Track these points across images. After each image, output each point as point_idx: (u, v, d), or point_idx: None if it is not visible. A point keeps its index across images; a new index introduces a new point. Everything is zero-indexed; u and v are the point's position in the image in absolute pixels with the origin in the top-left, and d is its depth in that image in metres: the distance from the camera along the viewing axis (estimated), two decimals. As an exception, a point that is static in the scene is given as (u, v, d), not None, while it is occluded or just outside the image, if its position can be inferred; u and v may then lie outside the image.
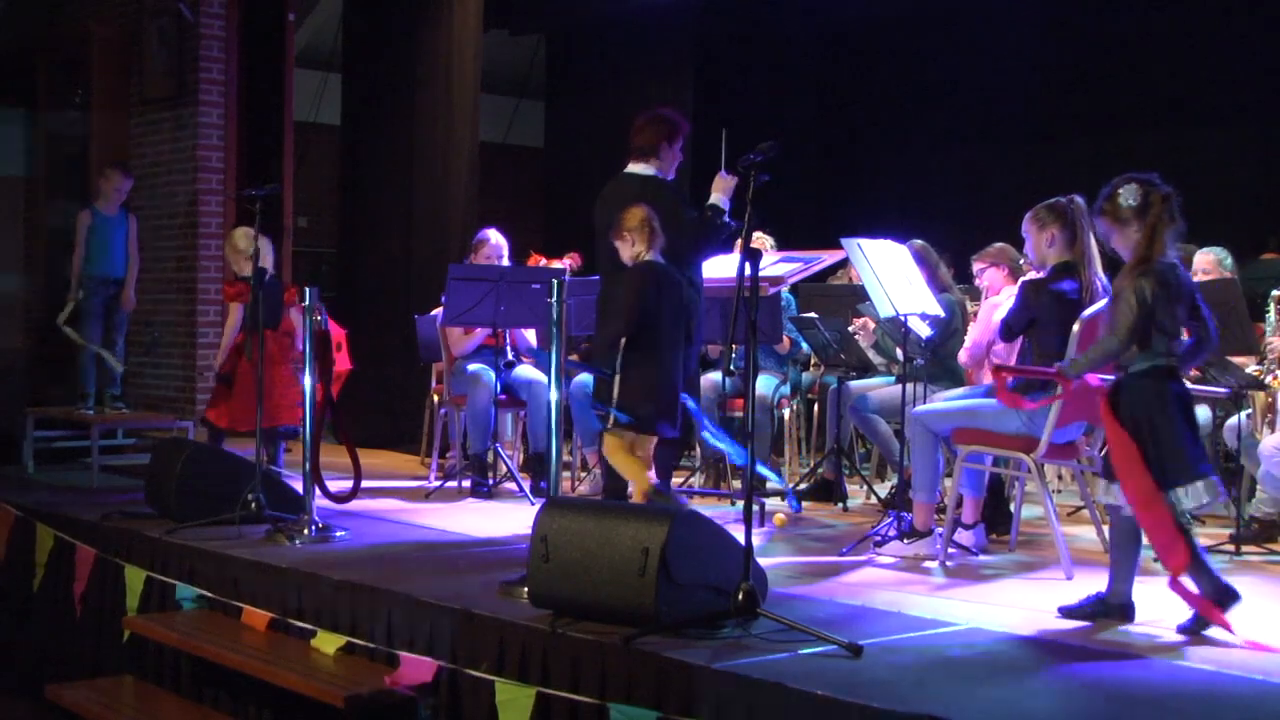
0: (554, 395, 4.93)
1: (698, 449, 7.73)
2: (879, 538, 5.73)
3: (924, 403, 6.03)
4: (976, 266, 6.48)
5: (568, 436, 7.50)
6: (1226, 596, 4.20)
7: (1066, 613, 4.46)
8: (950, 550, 5.48)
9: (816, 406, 8.36)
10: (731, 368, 5.46)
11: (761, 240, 7.30)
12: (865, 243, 6.08)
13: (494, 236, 7.79)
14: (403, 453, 9.30)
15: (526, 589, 4.39)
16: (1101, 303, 5.35)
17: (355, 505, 6.32)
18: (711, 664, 3.70)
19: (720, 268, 6.62)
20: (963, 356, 6.41)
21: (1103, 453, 4.92)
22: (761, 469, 5.89)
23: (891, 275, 6.04)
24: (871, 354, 7.42)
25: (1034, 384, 5.18)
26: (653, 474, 5.55)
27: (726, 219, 5.85)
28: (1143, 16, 9.84)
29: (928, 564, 5.42)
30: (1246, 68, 9.55)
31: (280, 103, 9.30)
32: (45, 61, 10.28)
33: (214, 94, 9.24)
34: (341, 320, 7.56)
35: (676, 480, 6.48)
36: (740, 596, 4.07)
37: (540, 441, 7.32)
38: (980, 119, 10.82)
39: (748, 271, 4.22)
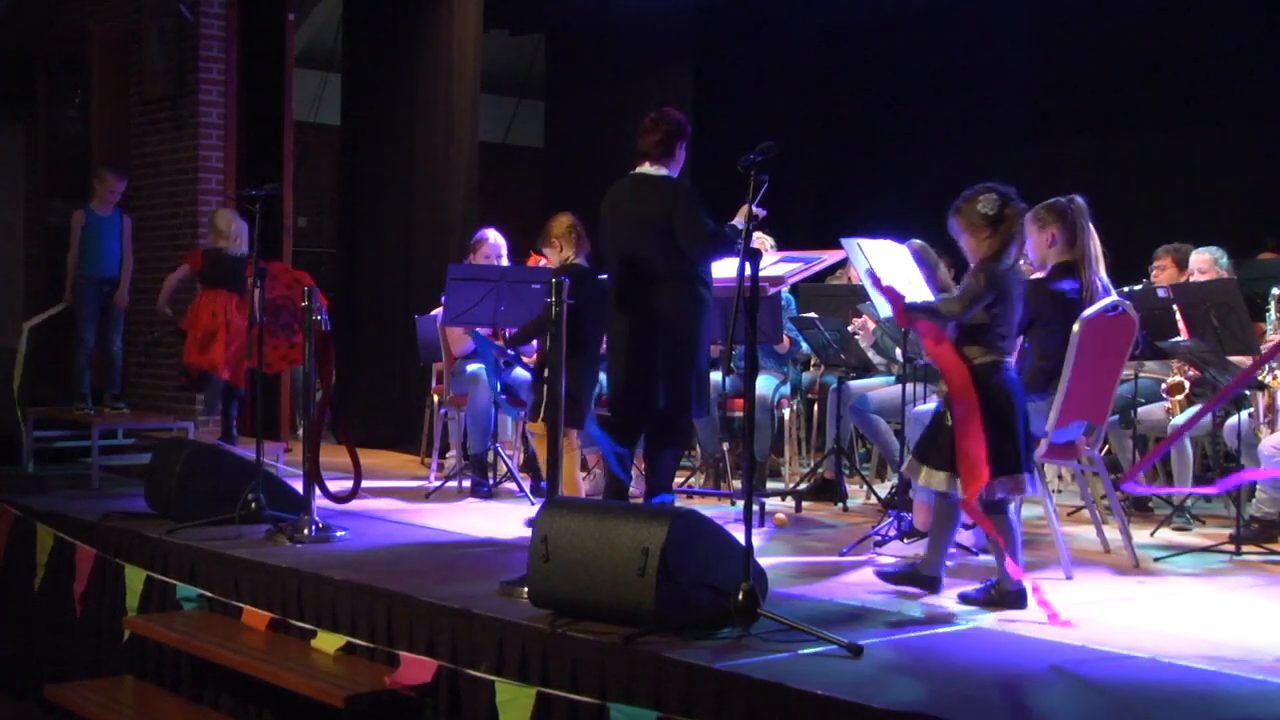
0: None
1: (698, 450, 7.74)
2: (879, 538, 5.73)
3: (924, 402, 6.03)
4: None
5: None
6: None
7: (880, 574, 4.85)
8: (950, 550, 5.47)
9: (816, 406, 8.36)
10: (731, 366, 5.47)
11: (761, 240, 7.30)
12: (865, 242, 6.07)
13: (493, 236, 7.80)
14: (403, 453, 9.30)
15: (526, 589, 4.39)
16: (1103, 301, 5.36)
17: (355, 505, 6.32)
18: (712, 664, 3.70)
19: (721, 268, 6.62)
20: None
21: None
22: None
23: (892, 275, 6.03)
24: (871, 354, 7.42)
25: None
26: (577, 463, 5.98)
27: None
28: (1142, 17, 9.83)
29: (928, 564, 5.41)
30: (1245, 68, 9.54)
31: (280, 102, 9.30)
32: (45, 61, 10.28)
33: (214, 94, 9.23)
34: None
35: (677, 480, 6.49)
36: (740, 596, 4.07)
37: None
38: (980, 118, 10.81)
39: (748, 271, 4.22)
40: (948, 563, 5.38)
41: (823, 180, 12.03)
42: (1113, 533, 5.81)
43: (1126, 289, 6.52)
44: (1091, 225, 5.47)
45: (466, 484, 7.35)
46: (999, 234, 4.71)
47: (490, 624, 4.29)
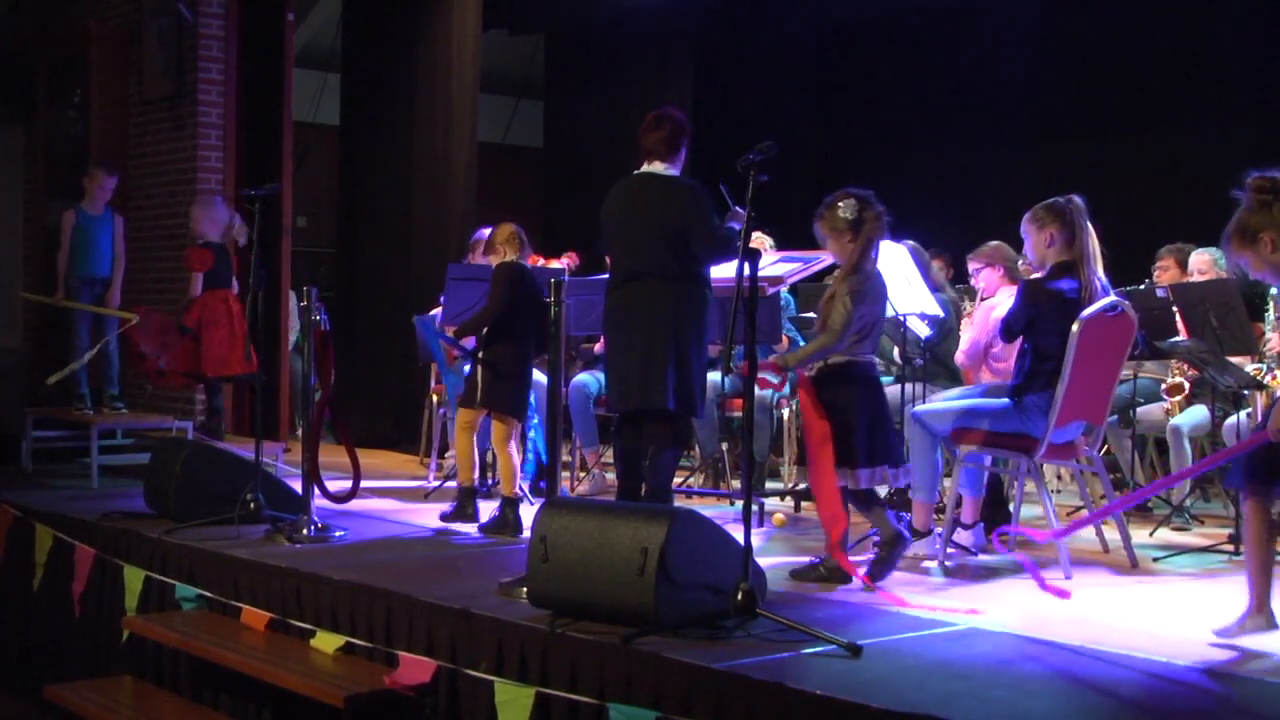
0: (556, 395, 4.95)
1: (697, 450, 7.74)
2: (877, 538, 5.72)
3: (923, 402, 6.03)
4: (972, 266, 6.47)
5: (566, 437, 7.51)
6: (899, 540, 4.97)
7: (794, 573, 5.01)
8: (949, 550, 5.48)
9: (816, 406, 8.35)
10: (730, 366, 5.46)
11: (761, 240, 7.30)
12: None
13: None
14: (402, 453, 9.30)
15: (525, 589, 4.39)
16: (1102, 301, 5.36)
17: (354, 505, 6.32)
18: (711, 664, 3.69)
19: (720, 268, 6.62)
20: (960, 358, 6.40)
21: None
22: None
23: (890, 275, 6.04)
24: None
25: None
26: (513, 448, 6.27)
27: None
28: (1140, 17, 9.83)
29: (927, 564, 5.43)
30: (1242, 68, 9.54)
31: (279, 102, 9.29)
32: (44, 61, 10.27)
33: (213, 94, 9.22)
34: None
35: (676, 480, 6.49)
36: (739, 596, 4.07)
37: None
38: (979, 119, 10.81)
39: (747, 271, 4.22)
40: (947, 563, 5.40)
41: (821, 180, 12.01)
42: (1111, 533, 5.81)
43: (1126, 289, 6.52)
44: (1090, 225, 5.47)
45: (466, 484, 7.34)
46: (860, 236, 4.97)
47: (489, 624, 4.29)
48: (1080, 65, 10.38)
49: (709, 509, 6.18)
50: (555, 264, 8.02)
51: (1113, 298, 5.45)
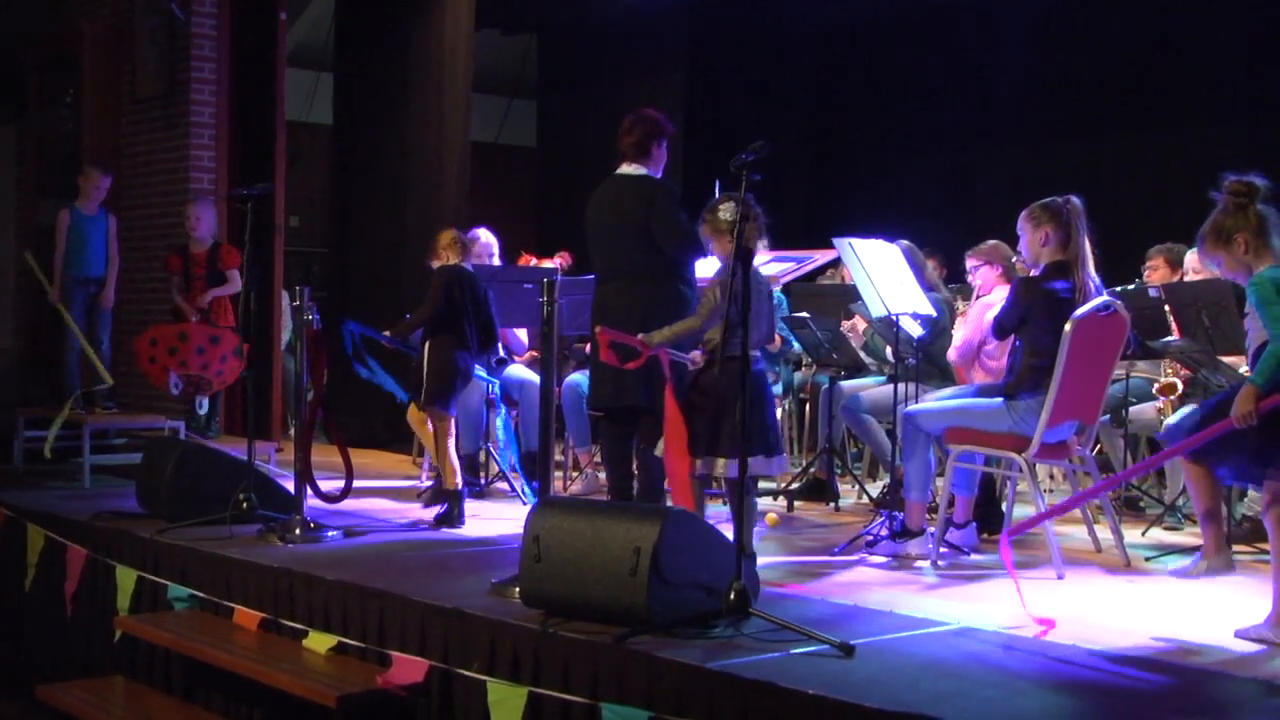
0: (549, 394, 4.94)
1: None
2: (871, 537, 5.73)
3: (915, 402, 6.03)
4: (970, 264, 6.48)
5: (560, 436, 7.51)
6: None
7: None
8: (942, 550, 5.48)
9: (808, 406, 8.36)
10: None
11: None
12: (857, 242, 6.09)
13: (485, 236, 7.80)
14: (394, 453, 9.29)
15: (518, 589, 4.39)
16: (1095, 301, 5.37)
17: (347, 505, 6.32)
18: (703, 663, 3.69)
19: (712, 267, 6.62)
20: (952, 355, 6.41)
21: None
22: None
23: (884, 275, 6.04)
24: (861, 354, 7.43)
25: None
26: (452, 445, 6.41)
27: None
28: (1136, 17, 9.84)
29: (919, 563, 5.43)
30: (1239, 68, 9.56)
31: (272, 102, 9.27)
32: (36, 60, 10.25)
33: (205, 93, 9.21)
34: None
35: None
36: (732, 596, 4.07)
37: (532, 441, 7.31)
38: (973, 119, 10.81)
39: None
40: (940, 563, 5.40)
41: (815, 180, 12.04)
42: (1104, 532, 5.82)
43: (1118, 289, 6.53)
44: (1085, 226, 5.47)
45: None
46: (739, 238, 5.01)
47: (482, 624, 4.28)
48: (1073, 66, 10.38)
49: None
50: (548, 263, 8.02)
51: (1105, 297, 5.46)
